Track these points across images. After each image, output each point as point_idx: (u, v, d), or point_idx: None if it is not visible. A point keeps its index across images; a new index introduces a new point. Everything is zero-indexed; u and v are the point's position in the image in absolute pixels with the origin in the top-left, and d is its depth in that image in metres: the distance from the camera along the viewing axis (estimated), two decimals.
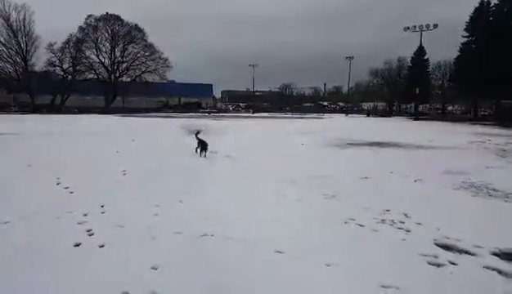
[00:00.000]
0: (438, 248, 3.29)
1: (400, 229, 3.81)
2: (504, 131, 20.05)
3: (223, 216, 4.19)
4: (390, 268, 2.89)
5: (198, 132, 9.51)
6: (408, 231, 3.74)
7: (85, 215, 4.32)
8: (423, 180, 6.31)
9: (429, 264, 2.97)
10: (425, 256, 3.10)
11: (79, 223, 4.02)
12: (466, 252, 3.22)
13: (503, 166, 8.04)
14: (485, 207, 4.75)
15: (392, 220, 4.07)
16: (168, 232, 3.66)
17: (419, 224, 3.94)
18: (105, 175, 6.73)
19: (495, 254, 3.19)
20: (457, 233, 3.58)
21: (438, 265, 2.96)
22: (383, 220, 4.07)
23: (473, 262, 3.04)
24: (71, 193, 5.45)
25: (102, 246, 3.40)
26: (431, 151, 11.07)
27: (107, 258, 3.11)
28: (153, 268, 2.89)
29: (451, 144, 13.10)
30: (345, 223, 3.99)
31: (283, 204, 4.80)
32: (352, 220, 4.07)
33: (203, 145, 8.95)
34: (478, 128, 23.54)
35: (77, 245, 3.43)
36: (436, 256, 3.08)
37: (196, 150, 9.14)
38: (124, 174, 6.91)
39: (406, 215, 4.24)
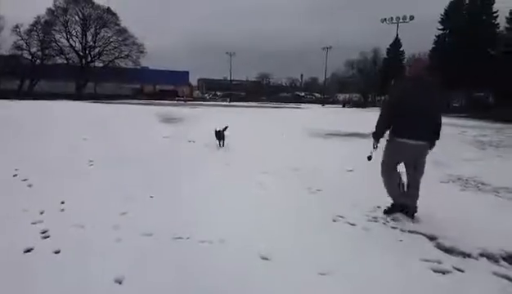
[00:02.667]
0: (440, 251, 3.01)
1: (394, 228, 3.51)
2: (478, 123, 20.56)
3: (199, 214, 3.76)
4: (396, 276, 2.56)
5: (226, 128, 8.88)
6: (403, 231, 3.43)
7: (41, 213, 3.78)
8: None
9: (434, 271, 2.67)
10: (428, 261, 2.80)
11: (34, 223, 3.49)
12: (469, 256, 2.96)
13: (484, 158, 8.00)
14: (477, 202, 4.55)
15: (385, 219, 3.76)
16: (136, 233, 3.19)
17: (415, 222, 3.64)
18: (69, 164, 6.12)
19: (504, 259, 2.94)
20: (457, 234, 3.31)
21: (444, 273, 2.66)
22: (375, 218, 3.76)
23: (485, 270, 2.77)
24: (29, 186, 4.85)
25: (58, 252, 2.90)
26: None
27: (61, 268, 2.62)
28: (116, 281, 2.43)
29: None
30: (334, 221, 3.65)
31: (266, 200, 4.41)
32: (342, 217, 3.75)
33: (220, 136, 8.64)
34: (452, 120, 24.03)
35: (28, 251, 2.92)
36: (439, 262, 2.79)
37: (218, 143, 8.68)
38: (91, 165, 6.32)
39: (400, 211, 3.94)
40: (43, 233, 3.25)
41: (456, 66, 36.85)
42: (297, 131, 13.41)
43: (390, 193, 3.86)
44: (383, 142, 3.89)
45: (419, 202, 3.78)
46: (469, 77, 36.67)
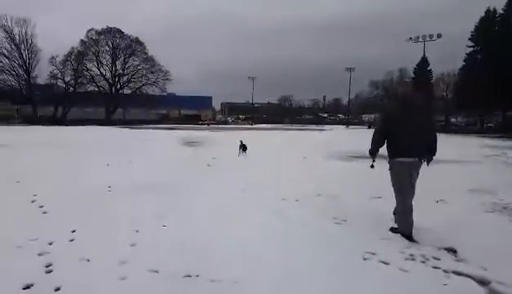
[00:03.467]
0: None
1: (436, 268, 3.02)
2: None
3: (213, 247, 3.43)
4: None
5: (244, 146, 11.61)
6: (446, 272, 2.95)
7: (50, 243, 3.59)
8: (446, 200, 5.51)
9: None
10: None
11: (40, 254, 3.29)
12: None
13: None
14: None
15: (424, 256, 3.26)
16: (143, 269, 2.90)
17: (458, 260, 3.16)
18: (87, 191, 6.01)
19: None
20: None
21: None
22: (411, 256, 3.27)
23: None
24: (44, 213, 4.73)
25: (58, 289, 2.66)
26: (446, 166, 10.30)
27: None
28: None
29: (466, 158, 12.34)
30: (365, 259, 3.21)
31: (287, 230, 4.03)
32: (373, 254, 3.30)
33: (243, 148, 11.46)
34: (487, 140, 22.79)
35: (27, 287, 2.70)
36: None
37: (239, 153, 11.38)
38: (109, 190, 6.19)
39: (438, 247, 3.45)
40: (48, 266, 3.03)
41: (488, 85, 35.29)
42: (319, 153, 13.00)
43: (401, 219, 3.87)
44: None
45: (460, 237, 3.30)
46: (504, 96, 34.95)
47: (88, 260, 3.16)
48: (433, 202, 5.42)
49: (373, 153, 4.07)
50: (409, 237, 3.70)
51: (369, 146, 4.09)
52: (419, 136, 3.74)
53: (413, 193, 3.87)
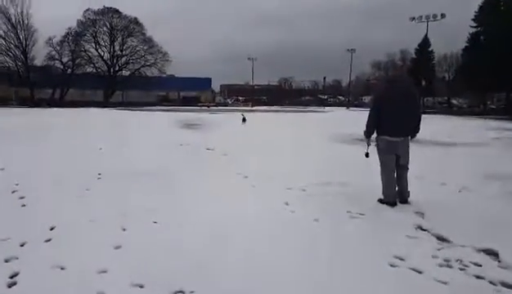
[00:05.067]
0: None
1: (479, 278, 2.49)
2: None
3: (210, 252, 2.92)
4: None
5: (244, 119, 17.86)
6: (493, 284, 2.40)
7: (22, 245, 3.10)
8: (469, 187, 5.01)
9: None
10: None
11: (7, 260, 2.79)
12: None
13: None
14: None
15: (461, 261, 2.72)
16: (126, 283, 2.40)
17: (503, 266, 2.64)
18: (75, 178, 5.52)
19: None
20: None
21: None
22: (447, 262, 2.71)
23: None
24: (23, 206, 4.23)
25: None
26: (456, 149, 9.79)
27: None
28: None
29: (474, 140, 11.80)
30: (392, 266, 2.68)
31: (297, 228, 3.53)
32: (401, 259, 2.77)
33: (244, 120, 17.63)
34: (492, 122, 22.19)
35: None
36: None
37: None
38: (99, 178, 5.69)
39: (474, 249, 2.93)
40: (12, 277, 2.53)
41: (492, 66, 34.37)
42: (322, 135, 12.44)
43: (385, 191, 4.23)
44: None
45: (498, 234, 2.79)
46: (507, 78, 34.09)
47: (62, 269, 2.66)
48: (455, 191, 4.92)
49: (368, 134, 4.32)
50: (393, 204, 4.13)
51: (364, 128, 4.35)
52: (404, 117, 4.06)
53: (406, 168, 4.28)
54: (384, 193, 4.25)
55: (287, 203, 4.34)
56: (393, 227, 3.52)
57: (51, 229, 3.47)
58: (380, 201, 4.27)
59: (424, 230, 3.44)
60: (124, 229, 3.43)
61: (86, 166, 6.51)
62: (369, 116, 4.26)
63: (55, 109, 34.89)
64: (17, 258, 2.83)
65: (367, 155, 4.37)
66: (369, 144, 4.38)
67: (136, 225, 3.51)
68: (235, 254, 2.87)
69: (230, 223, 3.58)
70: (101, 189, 4.98)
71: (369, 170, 4.93)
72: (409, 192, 4.26)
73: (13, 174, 5.73)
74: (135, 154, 7.93)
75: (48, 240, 3.21)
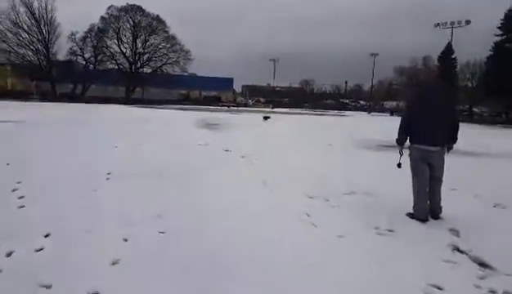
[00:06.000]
0: None
1: None
2: None
3: (223, 272, 2.48)
4: None
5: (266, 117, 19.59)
6: None
7: (9, 255, 2.75)
8: (503, 204, 4.41)
9: None
10: None
11: None
12: None
13: None
14: None
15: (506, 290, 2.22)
16: None
17: None
18: (82, 177, 5.21)
19: None
20: None
21: None
22: (492, 291, 2.23)
23: None
24: (21, 208, 3.90)
25: None
26: (496, 160, 9.00)
27: None
28: None
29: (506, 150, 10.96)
30: None
31: (320, 246, 3.05)
32: (439, 288, 2.26)
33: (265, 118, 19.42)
34: None
35: None
36: None
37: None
38: (108, 178, 5.35)
39: None
40: None
41: None
42: (344, 140, 11.83)
43: (416, 205, 3.88)
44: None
45: None
46: None
47: (49, 287, 2.29)
48: (489, 206, 4.43)
49: (400, 142, 4.07)
50: (423, 220, 3.76)
51: (396, 136, 4.10)
52: (440, 125, 3.77)
53: (440, 182, 3.91)
54: (414, 207, 3.91)
55: (308, 214, 3.87)
56: (427, 248, 3.07)
57: (46, 236, 3.13)
58: (410, 215, 3.92)
59: (462, 252, 3.00)
60: (126, 240, 3.05)
61: (98, 164, 6.22)
62: (401, 123, 4.04)
63: (76, 103, 35.49)
64: (1, 271, 2.48)
65: (399, 165, 4.05)
66: (401, 154, 4.08)
67: (140, 235, 3.13)
68: (250, 272, 2.41)
69: (242, 231, 3.12)
70: (107, 190, 4.64)
71: (396, 179, 4.46)
72: (441, 207, 3.91)
73: (17, 170, 5.47)
74: (150, 154, 7.59)
75: (39, 250, 2.86)
